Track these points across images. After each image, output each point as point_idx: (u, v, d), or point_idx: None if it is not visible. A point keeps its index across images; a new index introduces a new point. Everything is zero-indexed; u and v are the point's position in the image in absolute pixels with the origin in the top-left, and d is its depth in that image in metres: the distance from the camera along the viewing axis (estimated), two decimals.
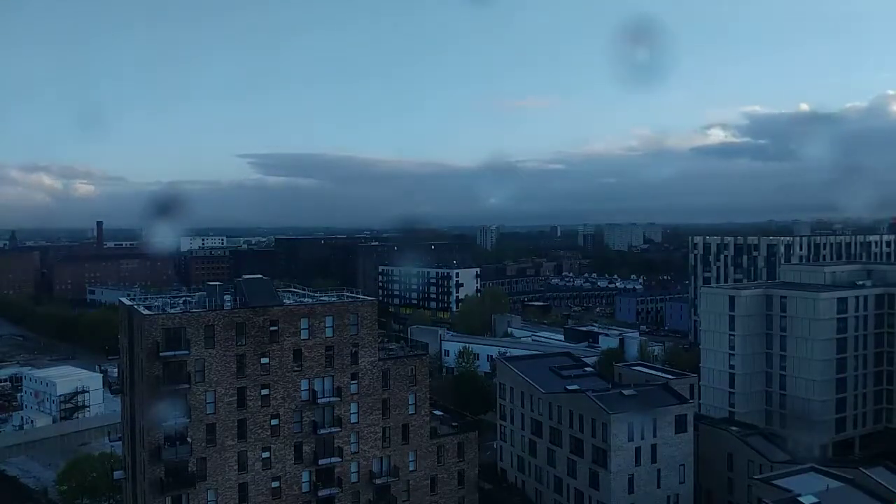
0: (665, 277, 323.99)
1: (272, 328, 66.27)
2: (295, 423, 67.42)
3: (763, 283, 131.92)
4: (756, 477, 72.86)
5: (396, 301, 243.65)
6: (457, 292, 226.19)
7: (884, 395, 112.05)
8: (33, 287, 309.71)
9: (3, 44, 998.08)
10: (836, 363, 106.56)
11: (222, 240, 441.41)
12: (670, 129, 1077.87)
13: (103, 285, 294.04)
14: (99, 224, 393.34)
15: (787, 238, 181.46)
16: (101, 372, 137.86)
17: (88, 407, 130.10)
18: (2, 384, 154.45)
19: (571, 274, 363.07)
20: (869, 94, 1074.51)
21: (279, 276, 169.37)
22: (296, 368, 67.29)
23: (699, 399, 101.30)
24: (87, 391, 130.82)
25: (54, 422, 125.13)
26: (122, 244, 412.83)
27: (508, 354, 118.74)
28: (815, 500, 60.45)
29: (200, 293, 69.29)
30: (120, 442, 78.71)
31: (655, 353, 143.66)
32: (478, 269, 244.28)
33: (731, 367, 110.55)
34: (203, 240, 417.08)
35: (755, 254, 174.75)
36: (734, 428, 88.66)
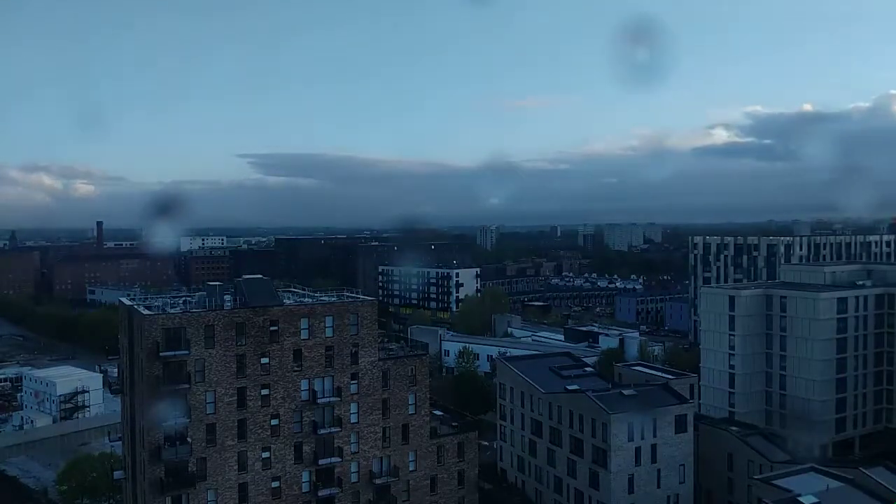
0: (665, 277, 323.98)
1: (272, 328, 66.27)
2: (295, 423, 67.42)
3: (763, 283, 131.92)
4: (756, 477, 72.86)
5: (396, 301, 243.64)
6: (457, 292, 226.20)
7: (884, 395, 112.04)
8: (33, 287, 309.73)
9: (3, 43, 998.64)
10: (836, 363, 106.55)
11: (222, 240, 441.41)
12: (672, 129, 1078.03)
13: (103, 285, 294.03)
14: (99, 224, 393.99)
15: (787, 238, 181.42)
16: (101, 372, 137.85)
17: (88, 407, 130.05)
18: (2, 384, 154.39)
19: (571, 274, 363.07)
20: (870, 94, 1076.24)
21: (279, 276, 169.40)
22: (296, 368, 67.28)
23: (699, 399, 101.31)
24: (87, 391, 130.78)
25: (54, 422, 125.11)
26: (122, 244, 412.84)
27: (508, 354, 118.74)
28: (815, 500, 60.44)
29: (200, 293, 69.29)
30: (120, 442, 78.70)
31: (655, 353, 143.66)
32: (478, 269, 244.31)
33: (731, 367, 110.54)
34: (203, 240, 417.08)
35: (755, 254, 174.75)
36: (734, 428, 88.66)
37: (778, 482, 67.41)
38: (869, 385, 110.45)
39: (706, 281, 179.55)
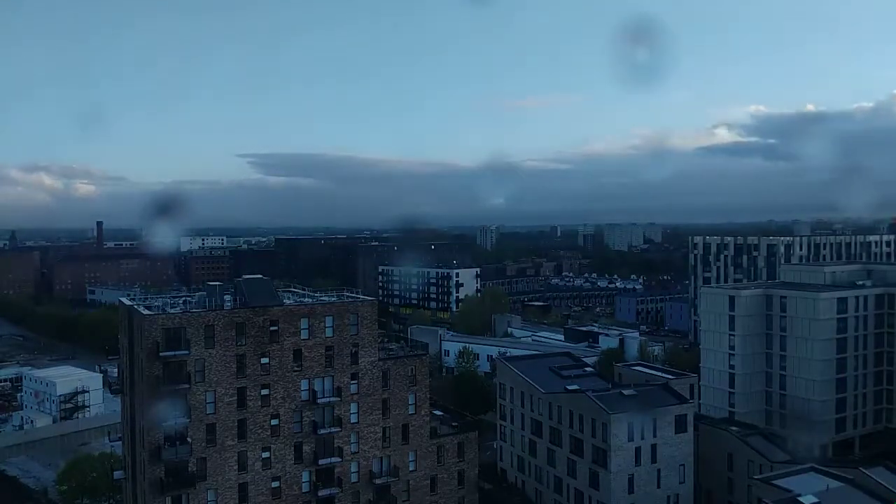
0: (665, 277, 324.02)
1: (272, 328, 66.27)
2: (295, 423, 67.42)
3: (763, 283, 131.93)
4: (756, 477, 72.86)
5: (396, 301, 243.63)
6: (457, 292, 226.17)
7: (884, 395, 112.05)
8: (33, 287, 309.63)
9: (3, 43, 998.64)
10: (836, 363, 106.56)
11: (222, 240, 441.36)
12: (673, 129, 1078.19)
13: (103, 285, 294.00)
14: (99, 224, 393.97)
15: (787, 238, 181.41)
16: (101, 372, 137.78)
17: (88, 407, 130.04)
18: (2, 384, 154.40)
19: (571, 274, 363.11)
20: (873, 94, 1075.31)
21: (279, 276, 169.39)
22: (296, 368, 67.29)
23: (699, 399, 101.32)
24: (87, 391, 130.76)
25: (54, 422, 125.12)
26: (122, 244, 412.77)
27: (508, 354, 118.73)
28: (815, 500, 60.44)
29: (200, 293, 69.29)
30: (120, 442, 78.69)
31: (655, 353, 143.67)
32: (478, 269, 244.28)
33: (731, 367, 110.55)
34: (203, 240, 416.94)
35: (755, 254, 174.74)
36: (734, 428, 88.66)
37: (778, 482, 67.41)
38: (869, 385, 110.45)
39: (706, 281, 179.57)
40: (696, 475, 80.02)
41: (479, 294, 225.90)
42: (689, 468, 78.28)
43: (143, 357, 62.43)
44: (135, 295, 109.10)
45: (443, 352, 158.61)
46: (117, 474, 74.95)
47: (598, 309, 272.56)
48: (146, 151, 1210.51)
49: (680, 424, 77.31)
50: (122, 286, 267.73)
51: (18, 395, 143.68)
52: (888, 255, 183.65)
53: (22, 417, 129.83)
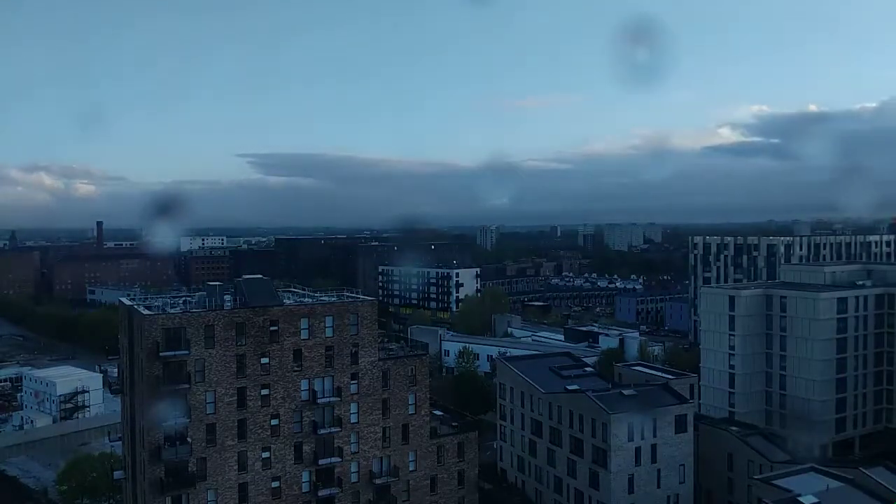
0: (665, 277, 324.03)
1: (272, 328, 66.27)
2: (295, 423, 67.42)
3: (763, 283, 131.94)
4: (756, 477, 72.86)
5: (396, 301, 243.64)
6: (457, 292, 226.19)
7: (884, 395, 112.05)
8: (33, 287, 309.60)
9: (3, 43, 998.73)
10: (836, 363, 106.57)
11: (222, 240, 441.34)
12: (674, 129, 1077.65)
13: (103, 285, 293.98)
14: (99, 224, 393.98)
15: (787, 238, 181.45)
16: (101, 372, 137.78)
17: (88, 407, 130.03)
18: (2, 384, 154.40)
19: (571, 274, 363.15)
20: (874, 93, 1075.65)
21: (279, 276, 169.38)
22: (296, 368, 67.29)
23: (699, 399, 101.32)
24: (87, 391, 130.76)
25: (54, 422, 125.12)
26: (122, 244, 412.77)
27: (508, 354, 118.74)
28: (815, 500, 60.45)
29: (200, 293, 69.29)
30: (120, 442, 78.69)
31: (655, 353, 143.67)
32: (478, 269, 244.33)
33: (731, 367, 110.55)
34: (203, 240, 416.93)
35: (755, 254, 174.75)
36: (734, 428, 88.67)
37: (778, 482, 67.42)
38: (869, 385, 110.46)
39: (706, 281, 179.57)
40: (696, 475, 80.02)
41: (479, 294, 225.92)
42: (689, 468, 78.29)
43: (143, 357, 62.43)
44: (135, 295, 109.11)
45: (443, 352, 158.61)
46: (117, 474, 74.96)
47: (598, 309, 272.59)
48: (146, 151, 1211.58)
49: (680, 424, 77.32)
50: (122, 286, 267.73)
51: (18, 395, 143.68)
52: (888, 255, 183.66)
53: (22, 417, 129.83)
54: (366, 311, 71.40)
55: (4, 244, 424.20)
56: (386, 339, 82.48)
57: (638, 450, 75.16)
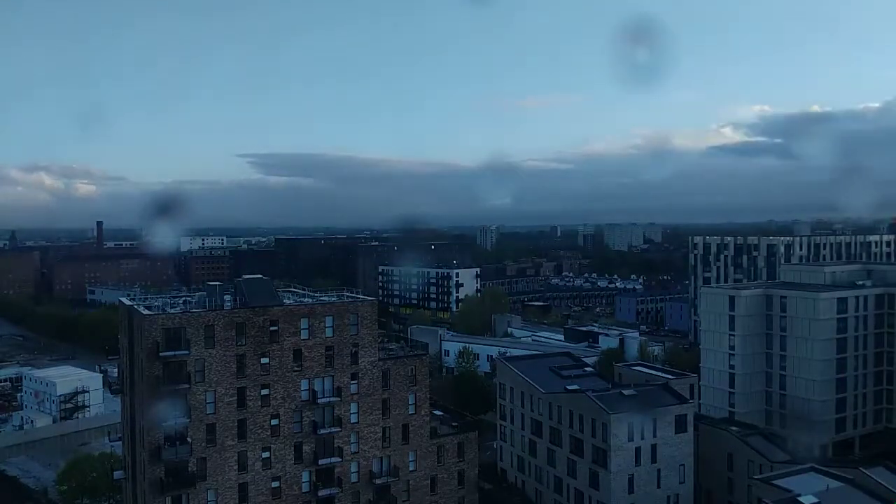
0: (665, 277, 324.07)
1: (272, 328, 66.27)
2: (295, 423, 67.42)
3: (763, 283, 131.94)
4: (756, 477, 72.87)
5: (396, 301, 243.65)
6: (457, 292, 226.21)
7: (884, 395, 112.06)
8: (33, 287, 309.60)
9: (3, 43, 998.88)
10: (836, 363, 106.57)
11: (222, 240, 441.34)
12: (675, 129, 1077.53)
13: (103, 285, 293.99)
14: (99, 224, 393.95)
15: (787, 238, 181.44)
16: (101, 372, 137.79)
17: (88, 407, 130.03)
18: (2, 384, 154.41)
19: (571, 274, 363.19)
20: (877, 93, 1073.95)
21: (279, 276, 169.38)
22: (296, 368, 67.29)
23: (699, 399, 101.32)
24: (87, 391, 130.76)
25: (54, 422, 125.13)
26: (122, 244, 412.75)
27: (508, 354, 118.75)
28: (815, 500, 60.45)
29: (200, 293, 69.29)
30: (120, 442, 78.70)
31: (655, 353, 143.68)
32: (478, 269, 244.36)
33: (731, 367, 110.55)
34: (203, 240, 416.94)
35: (755, 254, 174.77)
36: (734, 428, 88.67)
37: (778, 482, 67.42)
38: (869, 385, 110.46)
39: (706, 281, 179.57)
40: (696, 475, 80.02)
41: (479, 294, 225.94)
42: (689, 468, 78.29)
43: (143, 357, 62.44)
44: (135, 295, 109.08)
45: (443, 352, 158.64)
46: (117, 474, 74.97)
47: (598, 309, 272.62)
48: (146, 151, 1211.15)
49: (680, 424, 77.32)
50: (122, 286, 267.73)
51: (18, 395, 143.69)
52: (888, 255, 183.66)
53: (22, 417, 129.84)
54: (366, 311, 71.41)
55: (4, 244, 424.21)
56: (386, 339, 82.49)
57: (638, 450, 75.16)
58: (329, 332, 68.76)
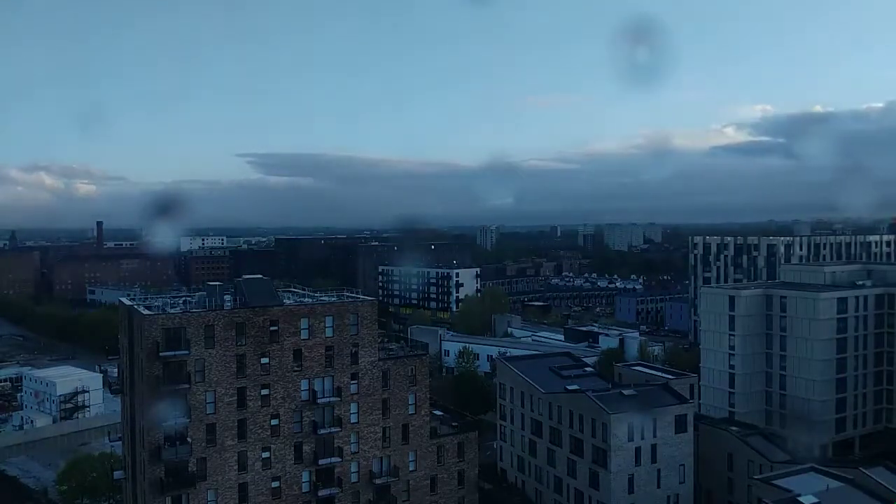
0: (665, 277, 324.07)
1: (272, 328, 66.28)
2: (295, 423, 67.43)
3: (763, 283, 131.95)
4: (756, 477, 72.87)
5: (396, 301, 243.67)
6: (457, 292, 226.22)
7: (884, 395, 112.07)
8: (33, 287, 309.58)
9: (3, 43, 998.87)
10: (836, 363, 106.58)
11: (222, 240, 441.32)
12: (678, 128, 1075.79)
13: (103, 285, 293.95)
14: (99, 224, 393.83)
15: (787, 238, 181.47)
16: (101, 372, 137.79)
17: (88, 407, 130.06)
18: (2, 384, 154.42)
19: (571, 274, 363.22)
20: (880, 93, 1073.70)
21: (279, 276, 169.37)
22: (296, 368, 67.30)
23: (699, 399, 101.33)
24: (87, 391, 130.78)
25: (54, 422, 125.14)
26: (122, 244, 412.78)
27: (508, 354, 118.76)
28: (815, 500, 60.45)
29: (200, 293, 69.31)
30: (120, 442, 78.70)
31: (655, 353, 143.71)
32: (478, 269, 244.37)
33: (731, 367, 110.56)
34: (203, 240, 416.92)
35: (755, 254, 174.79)
36: (734, 428, 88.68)
37: (778, 482, 67.42)
38: (869, 385, 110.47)
39: (706, 281, 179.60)
40: (696, 475, 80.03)
41: (479, 294, 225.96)
42: (689, 468, 78.30)
43: (143, 357, 62.44)
44: (135, 295, 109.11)
45: (443, 352, 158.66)
46: (117, 474, 74.98)
47: (598, 309, 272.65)
48: (146, 151, 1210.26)
49: (680, 424, 77.33)
50: (122, 286, 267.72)
51: (18, 395, 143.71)
52: (888, 255, 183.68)
53: (22, 417, 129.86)
54: (366, 311, 71.42)
55: (4, 244, 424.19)
56: (386, 339, 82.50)
57: (638, 450, 75.17)
58: (329, 332, 68.77)
